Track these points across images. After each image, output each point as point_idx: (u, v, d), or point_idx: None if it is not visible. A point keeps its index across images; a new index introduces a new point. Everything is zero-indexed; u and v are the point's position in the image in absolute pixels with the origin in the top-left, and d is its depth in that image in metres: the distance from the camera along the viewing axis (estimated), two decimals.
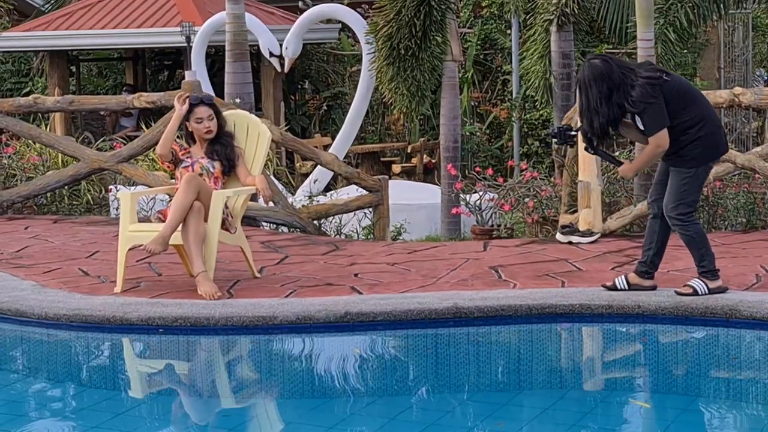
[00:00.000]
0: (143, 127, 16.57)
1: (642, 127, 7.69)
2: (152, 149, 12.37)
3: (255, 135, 9.05)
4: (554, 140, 8.42)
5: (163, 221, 8.51)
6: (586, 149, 7.98)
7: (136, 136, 13.22)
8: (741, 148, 16.65)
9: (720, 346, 7.65)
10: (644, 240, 8.13)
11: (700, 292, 7.82)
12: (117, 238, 8.80)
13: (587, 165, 10.25)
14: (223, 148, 8.81)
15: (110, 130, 21.46)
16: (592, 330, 7.95)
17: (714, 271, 7.88)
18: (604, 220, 10.36)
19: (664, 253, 8.10)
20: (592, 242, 10.06)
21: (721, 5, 13.21)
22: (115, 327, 7.88)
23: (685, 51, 16.71)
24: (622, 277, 8.10)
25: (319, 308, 7.83)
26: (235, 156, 8.83)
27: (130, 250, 8.59)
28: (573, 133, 8.15)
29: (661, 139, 7.64)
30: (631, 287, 8.02)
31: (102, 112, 21.20)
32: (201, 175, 8.72)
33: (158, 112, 16.47)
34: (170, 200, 9.01)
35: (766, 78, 20.71)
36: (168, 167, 9.06)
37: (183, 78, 16.17)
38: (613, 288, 8.05)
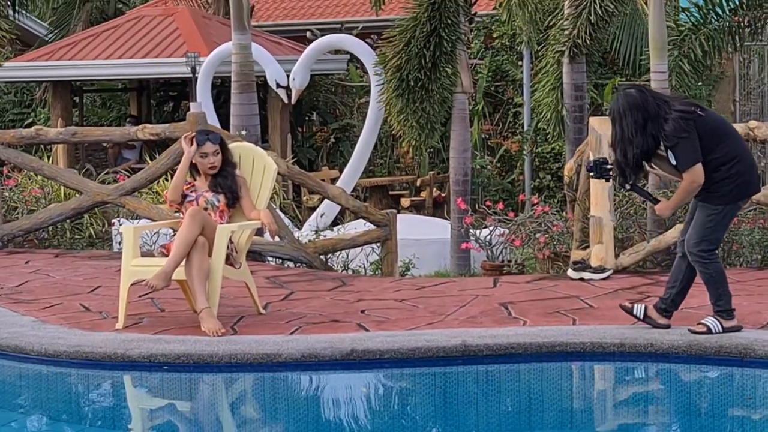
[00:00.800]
0: (147, 159, 16.47)
1: (674, 162, 7.58)
2: (156, 182, 12.26)
3: (261, 168, 8.93)
4: (590, 174, 8.26)
5: (167, 256, 8.39)
6: (621, 185, 7.84)
7: (140, 169, 13.11)
8: None
9: (734, 386, 7.55)
10: (669, 278, 7.99)
11: (714, 331, 7.67)
12: (119, 272, 8.68)
13: (599, 200, 10.11)
14: (224, 180, 8.68)
15: (112, 162, 21.40)
16: (604, 368, 7.84)
17: (730, 311, 7.74)
18: (617, 256, 10.21)
19: (687, 294, 7.93)
20: (604, 279, 9.91)
21: (736, 37, 13.10)
22: (117, 364, 7.77)
23: (700, 83, 16.60)
24: (643, 306, 7.96)
25: (325, 345, 7.70)
26: (238, 187, 8.69)
27: (132, 285, 8.48)
28: (609, 166, 7.99)
29: (696, 174, 7.54)
30: (645, 319, 7.89)
31: (104, 144, 21.14)
32: (206, 209, 8.58)
33: (162, 144, 16.36)
34: (174, 234, 8.88)
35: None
36: (175, 208, 8.93)
37: (188, 109, 16.08)
38: (629, 311, 7.93)
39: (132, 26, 21.49)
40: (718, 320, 7.71)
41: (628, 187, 7.83)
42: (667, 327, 7.87)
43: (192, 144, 8.67)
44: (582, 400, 7.65)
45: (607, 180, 8.21)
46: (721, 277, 7.73)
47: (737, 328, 7.72)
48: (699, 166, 7.53)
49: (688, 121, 7.51)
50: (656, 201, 7.97)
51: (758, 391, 7.46)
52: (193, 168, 8.78)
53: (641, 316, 7.90)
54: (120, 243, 11.86)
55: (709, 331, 7.67)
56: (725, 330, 7.68)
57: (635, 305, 7.98)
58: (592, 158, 8.37)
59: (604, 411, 7.38)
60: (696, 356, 7.55)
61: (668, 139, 7.51)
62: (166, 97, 24.14)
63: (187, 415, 7.39)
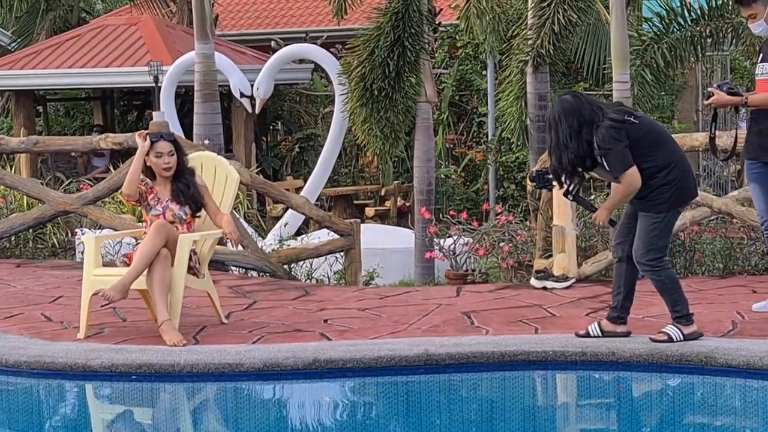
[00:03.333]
0: (115, 168, 16.39)
1: (607, 169, 7.62)
2: (119, 191, 12.19)
3: (223, 177, 8.90)
4: (533, 184, 8.30)
5: (129, 265, 8.33)
6: (565, 194, 7.85)
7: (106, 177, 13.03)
8: (719, 192, 16.57)
9: (695, 393, 7.57)
10: (613, 284, 8.03)
11: (675, 339, 7.69)
12: (81, 282, 8.61)
13: (562, 209, 10.13)
14: (186, 189, 8.61)
15: (82, 171, 21.30)
16: (566, 377, 7.83)
17: (688, 316, 7.76)
18: (579, 265, 10.23)
19: (634, 297, 7.97)
20: (566, 287, 9.93)
21: (699, 47, 13.19)
22: (78, 374, 7.71)
23: (663, 93, 16.69)
24: (596, 324, 7.96)
25: (287, 355, 7.67)
26: (200, 195, 8.64)
27: (94, 295, 8.41)
28: (551, 176, 8.02)
29: (631, 177, 7.55)
30: (605, 334, 7.89)
31: (73, 153, 21.03)
32: (173, 222, 8.52)
33: (127, 153, 16.29)
34: (137, 244, 8.83)
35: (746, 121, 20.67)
36: (134, 205, 8.87)
37: (151, 118, 16.02)
38: (586, 335, 7.92)
39: (95, 35, 21.41)
40: (678, 327, 7.73)
41: (571, 198, 7.85)
42: (628, 334, 7.88)
43: (146, 140, 8.60)
44: (544, 409, 7.65)
45: (549, 189, 8.27)
46: (674, 283, 7.76)
47: (697, 335, 7.74)
48: (632, 170, 7.53)
49: (619, 131, 7.53)
50: (594, 210, 8.00)
51: (719, 399, 7.48)
52: (149, 171, 8.70)
53: (600, 334, 7.88)
54: (83, 252, 11.79)
55: (669, 339, 7.69)
56: (686, 337, 7.69)
57: (589, 327, 7.96)
58: (534, 168, 8.42)
59: (566, 420, 7.38)
60: (657, 365, 7.56)
61: (599, 147, 7.54)
62: (130, 106, 24.06)
63: (149, 425, 7.35)
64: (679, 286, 7.79)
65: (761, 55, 8.54)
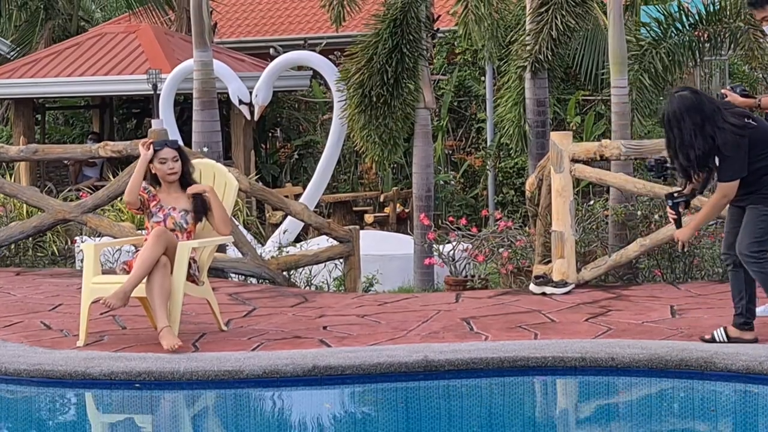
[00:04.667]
0: (109, 176, 16.41)
1: (717, 171, 7.60)
2: (118, 199, 12.19)
3: (222, 184, 8.90)
4: (650, 174, 8.24)
5: (129, 272, 8.33)
6: (669, 197, 7.83)
7: (101, 186, 13.04)
8: None
9: (696, 398, 7.55)
10: (732, 292, 7.96)
11: (718, 340, 7.76)
12: (81, 290, 8.61)
13: (561, 214, 10.13)
14: (204, 202, 8.59)
15: (73, 180, 21.30)
16: (566, 383, 7.82)
17: None
18: (579, 270, 10.23)
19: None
20: (566, 293, 9.92)
21: (697, 52, 13.18)
22: (78, 382, 7.70)
23: (661, 98, 16.66)
24: (721, 329, 7.90)
25: (287, 362, 7.67)
26: (207, 208, 8.64)
27: (93, 302, 8.41)
28: (669, 165, 7.95)
29: (731, 188, 7.61)
30: (731, 340, 7.84)
31: (65, 162, 21.05)
32: (174, 230, 8.52)
33: (124, 161, 16.30)
34: (137, 251, 8.83)
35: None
36: (135, 213, 8.87)
37: (150, 126, 16.02)
38: (712, 340, 7.87)
39: (94, 43, 21.42)
40: None
41: (671, 203, 7.82)
42: (756, 340, 7.84)
43: (149, 149, 8.61)
44: (544, 414, 7.64)
45: (665, 180, 8.14)
46: None
47: None
48: (737, 182, 7.57)
49: (743, 137, 7.55)
50: (680, 226, 7.94)
51: (719, 404, 7.47)
52: (153, 178, 8.71)
53: (725, 340, 7.83)
54: (82, 260, 11.79)
55: None
56: (730, 339, 7.75)
57: (714, 332, 7.89)
58: (653, 157, 8.30)
59: (566, 425, 7.36)
60: (657, 369, 7.55)
61: (721, 149, 7.52)
62: (129, 114, 24.06)
63: None
64: None
65: None
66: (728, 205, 7.86)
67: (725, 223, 8.03)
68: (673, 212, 7.90)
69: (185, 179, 8.67)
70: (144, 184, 8.59)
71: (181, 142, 12.24)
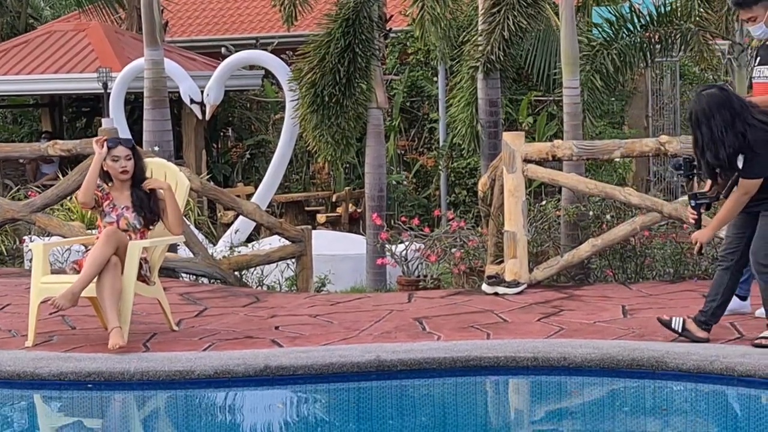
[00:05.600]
0: (63, 174, 16.26)
1: (741, 166, 7.51)
2: (68, 198, 12.09)
3: (173, 184, 8.83)
4: (678, 172, 8.17)
5: (79, 272, 8.24)
6: (693, 197, 7.79)
7: (55, 184, 12.92)
8: (669, 197, 16.70)
9: (647, 398, 7.57)
10: (710, 291, 7.94)
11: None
12: (29, 290, 8.51)
13: (513, 215, 10.14)
14: (146, 198, 8.54)
15: (31, 178, 21.11)
16: (518, 383, 7.83)
17: None
18: (531, 270, 10.24)
19: (725, 310, 7.93)
20: (518, 293, 9.93)
21: (648, 53, 13.24)
22: (26, 382, 7.62)
23: (613, 99, 16.77)
24: (681, 319, 7.91)
25: (238, 362, 7.63)
26: (160, 210, 8.58)
27: (42, 302, 8.32)
28: (697, 164, 7.89)
29: (754, 186, 7.54)
30: (683, 332, 7.85)
31: (21, 160, 20.86)
32: (126, 230, 8.45)
33: (76, 160, 16.18)
34: (86, 251, 8.75)
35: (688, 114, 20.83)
36: (90, 211, 8.79)
37: (100, 125, 15.90)
38: (668, 324, 7.89)
39: (43, 41, 21.24)
40: None
41: (694, 203, 7.77)
42: (707, 341, 7.81)
43: (103, 147, 8.54)
44: (497, 414, 7.65)
45: (690, 179, 8.06)
46: None
47: None
48: (760, 181, 7.52)
49: None
50: (699, 227, 7.89)
51: (670, 403, 7.51)
52: (106, 175, 8.64)
53: (680, 330, 7.85)
54: (30, 260, 11.68)
55: None
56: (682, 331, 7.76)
57: (673, 319, 7.90)
58: (681, 157, 8.23)
59: (519, 425, 7.38)
60: (609, 369, 7.56)
61: (752, 145, 7.45)
62: (79, 112, 23.88)
63: None
64: None
65: (759, 58, 8.57)
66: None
67: (728, 227, 7.91)
68: (694, 213, 7.86)
69: (138, 178, 8.61)
70: (98, 182, 8.52)
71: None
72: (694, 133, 7.58)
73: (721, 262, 7.94)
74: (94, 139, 8.95)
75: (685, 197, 10.27)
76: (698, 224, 7.88)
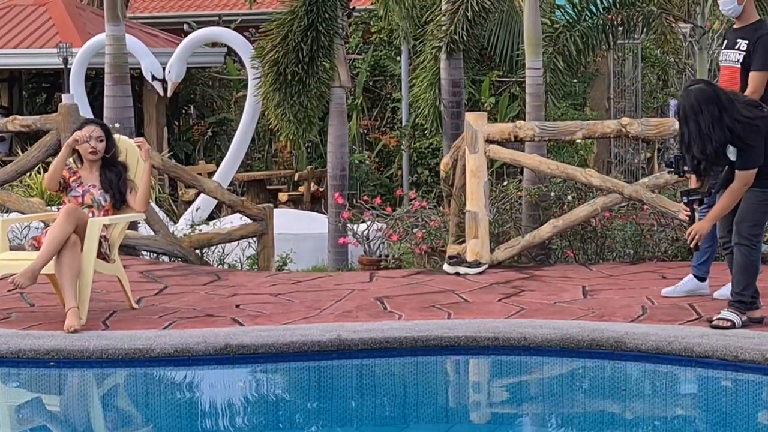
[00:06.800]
0: (18, 152, 16.15)
1: (735, 159, 7.56)
2: (27, 174, 12.01)
3: (134, 161, 8.79)
4: (669, 170, 8.17)
5: (38, 248, 8.19)
6: (685, 194, 7.82)
7: (10, 161, 12.82)
8: (630, 179, 16.76)
9: (606, 378, 7.61)
10: (733, 277, 7.89)
11: (737, 324, 7.71)
12: None
13: (475, 195, 10.15)
14: (116, 179, 8.51)
15: None
16: (478, 362, 7.85)
17: (751, 303, 7.76)
18: (492, 250, 10.26)
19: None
20: (479, 273, 9.95)
21: (610, 35, 13.26)
22: None
23: (575, 80, 16.79)
24: (733, 315, 7.81)
25: (198, 340, 7.60)
26: (128, 189, 8.54)
27: (1, 279, 8.25)
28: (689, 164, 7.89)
29: (751, 176, 7.58)
30: (746, 323, 7.77)
31: None
32: (90, 206, 8.40)
33: (34, 137, 16.07)
34: (46, 227, 8.69)
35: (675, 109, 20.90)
36: (56, 193, 8.75)
37: (61, 101, 15.79)
38: (732, 326, 7.74)
39: (2, 15, 21.05)
40: (737, 312, 7.72)
41: (686, 200, 7.79)
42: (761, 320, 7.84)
43: (78, 139, 8.48)
44: (456, 393, 7.67)
45: (682, 176, 8.04)
46: (756, 268, 7.73)
47: (758, 319, 7.78)
48: (755, 170, 7.56)
49: (760, 127, 7.52)
50: (693, 223, 7.87)
51: (629, 383, 7.53)
52: (78, 156, 8.60)
53: (741, 324, 7.75)
54: None
55: (733, 326, 7.64)
56: (744, 323, 7.72)
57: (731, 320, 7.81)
58: (673, 154, 8.23)
59: (478, 404, 7.40)
60: (569, 349, 7.60)
61: (743, 139, 7.49)
62: (39, 88, 23.69)
63: (57, 411, 7.24)
64: (757, 273, 7.78)
65: (725, 41, 8.59)
66: (722, 188, 7.79)
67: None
68: (687, 209, 7.89)
69: (111, 159, 8.56)
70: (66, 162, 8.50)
71: (92, 117, 12.07)
72: (680, 128, 7.61)
73: (724, 246, 7.97)
74: (52, 117, 8.90)
75: (646, 179, 10.36)
76: (692, 220, 7.93)
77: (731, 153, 7.59)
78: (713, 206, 7.85)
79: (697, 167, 7.64)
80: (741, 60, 8.34)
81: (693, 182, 7.98)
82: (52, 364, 7.49)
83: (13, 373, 7.62)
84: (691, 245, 7.85)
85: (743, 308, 7.78)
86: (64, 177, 8.50)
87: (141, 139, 8.69)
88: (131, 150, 8.84)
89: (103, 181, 8.52)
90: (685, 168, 7.78)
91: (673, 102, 20.28)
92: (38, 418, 7.17)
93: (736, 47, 8.39)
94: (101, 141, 8.53)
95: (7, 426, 6.99)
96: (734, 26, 8.61)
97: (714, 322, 7.74)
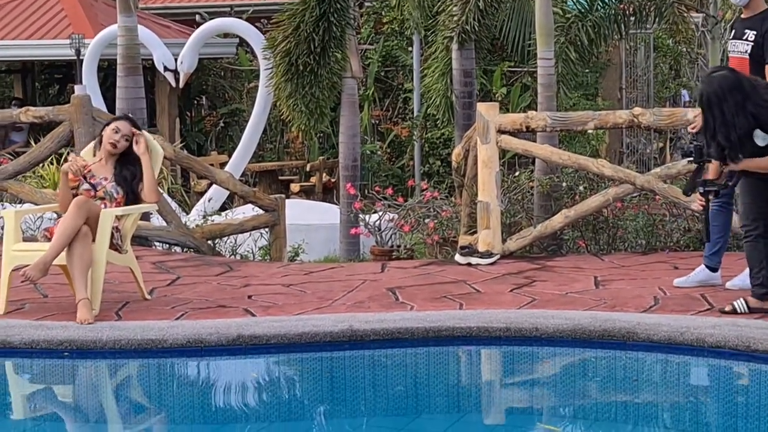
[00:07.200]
0: (33, 142, 16.18)
1: (762, 144, 7.55)
2: (41, 165, 12.03)
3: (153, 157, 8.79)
4: (688, 159, 8.17)
5: (50, 239, 8.21)
6: (700, 184, 7.83)
7: (26, 152, 12.85)
8: (642, 169, 16.74)
9: (618, 368, 7.60)
10: (750, 263, 7.95)
11: (739, 311, 7.80)
12: (0, 258, 8.46)
13: (487, 185, 10.15)
14: (131, 178, 8.53)
15: (0, 145, 20.98)
16: (490, 353, 7.85)
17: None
18: (504, 241, 10.26)
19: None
20: (491, 264, 9.95)
21: (622, 25, 13.24)
22: None
23: (587, 70, 16.77)
24: (742, 300, 7.89)
25: (211, 331, 7.61)
26: (140, 189, 8.56)
27: (14, 270, 8.29)
28: (710, 151, 7.88)
29: None
30: (752, 310, 7.84)
31: None
32: (103, 198, 8.42)
33: (48, 127, 16.09)
34: (58, 218, 8.71)
35: (687, 98, 20.89)
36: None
37: (73, 92, 15.82)
38: (733, 312, 7.84)
39: (15, 6, 21.07)
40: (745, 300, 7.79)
41: (702, 190, 7.80)
42: None
43: (71, 168, 8.48)
44: (468, 383, 7.66)
45: (702, 165, 8.06)
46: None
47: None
48: None
49: None
50: (708, 215, 7.94)
51: (641, 374, 7.53)
52: (100, 141, 8.64)
53: (746, 311, 7.82)
54: (2, 228, 11.63)
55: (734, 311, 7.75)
56: (751, 310, 7.80)
57: (735, 303, 7.87)
58: (691, 144, 8.24)
59: (490, 395, 7.41)
60: (580, 340, 7.60)
61: (766, 126, 7.48)
62: (51, 79, 23.73)
63: (70, 402, 7.27)
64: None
65: (733, 31, 8.57)
66: (743, 177, 7.81)
67: (741, 195, 7.96)
68: (702, 199, 7.91)
69: (129, 158, 8.58)
70: (83, 160, 8.53)
71: (104, 109, 12.11)
72: (704, 116, 7.60)
73: (746, 234, 7.96)
74: (65, 109, 8.90)
75: (658, 169, 10.34)
76: (706, 211, 7.92)
77: (758, 137, 7.56)
78: (728, 199, 7.84)
79: (722, 154, 7.64)
80: (749, 51, 8.32)
81: (711, 173, 7.97)
82: (66, 354, 7.52)
83: (26, 363, 7.64)
84: (722, 182, 7.84)
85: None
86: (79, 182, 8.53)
87: (139, 132, 8.69)
88: (150, 144, 8.87)
89: (116, 176, 8.54)
90: (706, 157, 7.80)
91: (684, 92, 20.26)
92: (52, 408, 7.20)
93: (744, 37, 8.37)
94: (127, 141, 8.56)
95: (21, 415, 7.04)
96: (742, 16, 8.58)
97: (726, 310, 7.79)
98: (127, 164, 8.59)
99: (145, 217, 10.67)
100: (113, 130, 8.57)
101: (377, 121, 21.23)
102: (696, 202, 8.01)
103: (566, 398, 7.18)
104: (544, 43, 11.56)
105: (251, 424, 6.77)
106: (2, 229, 10.72)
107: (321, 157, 20.42)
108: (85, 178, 8.54)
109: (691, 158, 7.96)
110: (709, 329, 7.39)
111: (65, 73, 22.91)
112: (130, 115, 8.97)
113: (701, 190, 7.86)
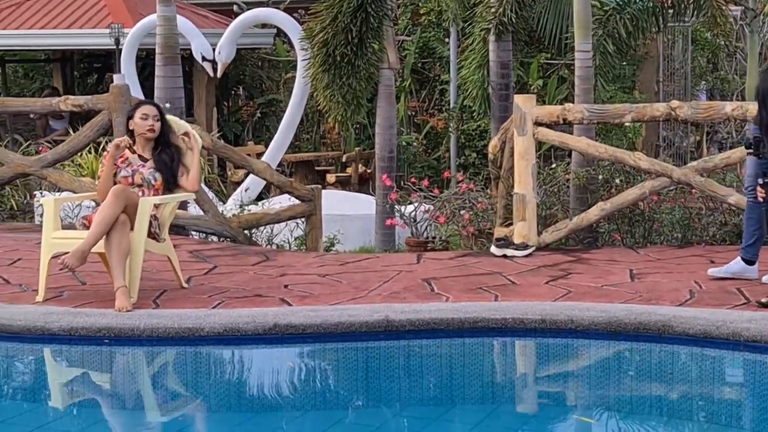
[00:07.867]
0: (73, 130, 16.27)
1: None
2: (79, 154, 12.11)
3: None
4: (748, 151, 8.21)
5: (88, 227, 8.27)
6: (763, 176, 7.88)
7: (66, 140, 12.93)
8: (678, 163, 16.67)
9: (653, 362, 7.60)
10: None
11: None
12: (40, 245, 8.56)
13: (523, 177, 10.15)
14: (170, 161, 8.58)
15: (41, 133, 21.10)
16: (525, 344, 7.85)
17: None
18: (540, 233, 10.26)
19: None
20: (526, 256, 9.96)
21: (660, 18, 13.18)
22: (36, 337, 7.67)
23: (624, 63, 16.71)
24: None
25: (247, 320, 7.66)
26: (180, 173, 8.62)
27: (53, 257, 8.35)
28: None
29: None
30: None
31: (32, 115, 20.86)
32: (141, 185, 8.48)
33: (86, 116, 16.19)
34: (96, 206, 8.78)
35: (706, 91, 20.78)
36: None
37: (112, 81, 15.90)
38: None
39: None
40: None
41: (762, 181, 7.83)
42: None
43: (117, 147, 8.54)
44: (503, 374, 7.69)
45: (759, 157, 8.11)
46: None
47: None
48: None
49: None
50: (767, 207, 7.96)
51: (676, 367, 7.53)
52: (131, 135, 8.70)
53: None
54: (41, 215, 11.72)
55: None
56: None
57: None
58: (754, 135, 8.29)
59: (525, 386, 7.41)
60: (615, 333, 7.60)
61: None
62: (90, 68, 23.84)
63: (108, 389, 7.33)
64: None
65: None
66: None
67: (749, 166, 8.04)
68: (763, 191, 7.93)
69: (165, 141, 8.64)
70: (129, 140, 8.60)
71: (142, 98, 12.18)
72: (759, 111, 7.66)
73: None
74: (104, 97, 8.96)
75: (695, 163, 10.32)
76: (766, 202, 7.92)
77: None
78: None
79: None
80: None
81: None
82: (106, 341, 7.58)
83: (65, 350, 7.71)
84: None
85: None
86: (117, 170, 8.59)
87: (187, 131, 8.73)
88: (181, 130, 8.91)
89: (157, 162, 8.59)
90: (763, 149, 7.81)
91: (702, 96, 20.14)
92: (90, 394, 7.27)
93: None
94: (158, 120, 8.62)
95: (60, 402, 7.10)
96: None
97: (763, 301, 7.76)
98: (164, 147, 8.64)
99: (183, 206, 10.73)
100: (142, 117, 8.61)
101: (413, 113, 21.23)
102: (758, 193, 8.01)
103: (601, 391, 7.18)
104: (582, 35, 11.54)
105: (286, 412, 6.81)
106: (42, 216, 10.82)
107: (357, 148, 20.44)
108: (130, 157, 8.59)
109: (752, 150, 7.99)
110: (745, 323, 7.37)
111: (104, 62, 23.00)
112: (144, 99, 9.04)
113: (761, 181, 7.88)
